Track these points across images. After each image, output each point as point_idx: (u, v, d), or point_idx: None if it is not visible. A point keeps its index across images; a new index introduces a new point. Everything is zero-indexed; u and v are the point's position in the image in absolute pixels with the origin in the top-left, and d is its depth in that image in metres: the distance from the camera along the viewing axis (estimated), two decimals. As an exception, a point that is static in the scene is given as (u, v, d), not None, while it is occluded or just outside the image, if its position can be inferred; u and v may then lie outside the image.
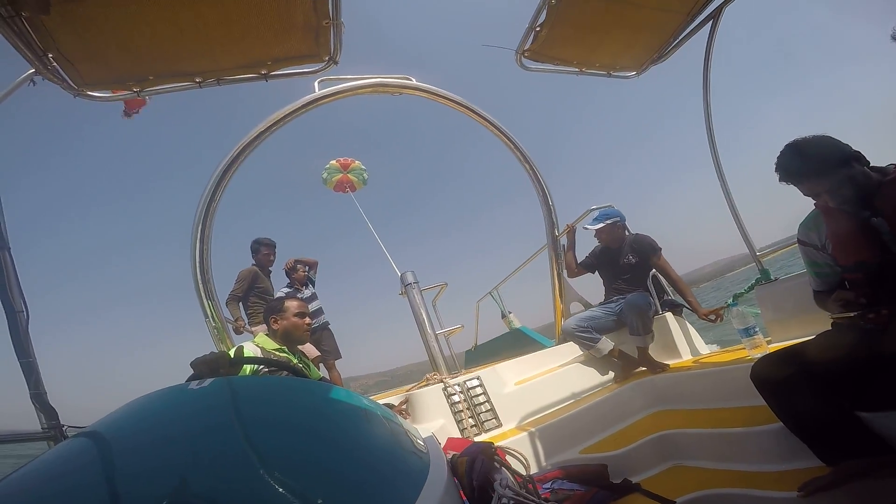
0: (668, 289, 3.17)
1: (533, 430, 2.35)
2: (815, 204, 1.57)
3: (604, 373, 2.94)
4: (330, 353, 4.46)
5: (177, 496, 0.56)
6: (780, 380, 1.48)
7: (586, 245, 3.55)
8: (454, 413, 2.55)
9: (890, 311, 1.34)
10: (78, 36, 1.83)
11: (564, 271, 3.70)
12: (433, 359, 3.03)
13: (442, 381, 2.71)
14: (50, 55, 1.85)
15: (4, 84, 2.10)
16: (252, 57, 2.23)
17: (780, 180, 1.53)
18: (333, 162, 7.11)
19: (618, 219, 3.17)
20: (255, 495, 0.58)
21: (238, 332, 3.81)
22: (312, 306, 4.47)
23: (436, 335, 3.11)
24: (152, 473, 0.60)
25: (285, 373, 1.85)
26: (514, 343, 5.14)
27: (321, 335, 4.45)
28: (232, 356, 2.04)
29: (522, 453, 1.70)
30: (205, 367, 1.33)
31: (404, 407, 2.67)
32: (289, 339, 2.28)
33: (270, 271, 4.50)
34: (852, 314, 1.36)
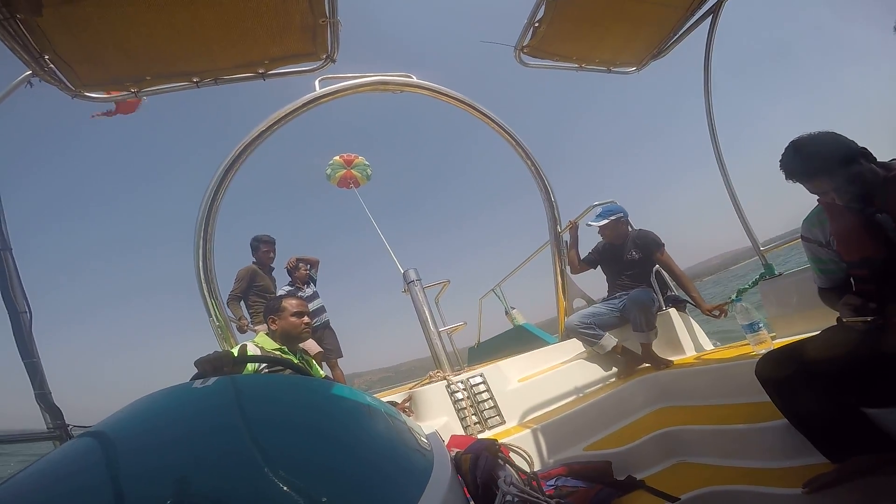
0: (672, 284, 3.16)
1: (536, 427, 2.35)
2: (818, 200, 1.55)
3: (607, 369, 2.94)
4: (332, 352, 4.47)
5: (183, 496, 0.56)
6: (785, 376, 1.47)
7: (589, 241, 3.56)
8: (457, 410, 2.55)
9: None
10: (74, 37, 1.83)
11: (567, 268, 3.69)
12: (436, 356, 3.03)
13: (445, 379, 2.71)
14: (46, 57, 1.85)
15: (2, 86, 2.10)
16: (249, 56, 2.23)
17: (786, 178, 1.49)
18: (337, 158, 7.10)
19: (621, 214, 3.16)
20: (260, 494, 0.58)
21: (242, 330, 3.82)
22: (314, 305, 4.47)
23: (439, 332, 3.11)
24: (158, 473, 0.60)
25: (288, 371, 1.85)
26: (517, 340, 5.14)
27: (323, 334, 4.46)
28: (235, 355, 2.05)
29: (526, 450, 1.70)
30: (208, 366, 1.33)
31: (407, 405, 2.67)
32: (288, 338, 2.26)
33: (273, 268, 4.49)
34: (867, 319, 1.33)
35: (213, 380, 0.84)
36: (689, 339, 2.95)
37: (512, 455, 1.55)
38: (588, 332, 2.94)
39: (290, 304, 2.29)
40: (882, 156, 1.43)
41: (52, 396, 1.78)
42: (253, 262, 4.34)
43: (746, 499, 1.54)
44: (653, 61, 3.07)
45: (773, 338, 2.34)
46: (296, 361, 2.21)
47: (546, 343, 4.07)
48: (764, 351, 2.08)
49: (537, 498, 1.00)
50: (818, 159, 1.40)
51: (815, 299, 1.70)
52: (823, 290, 1.64)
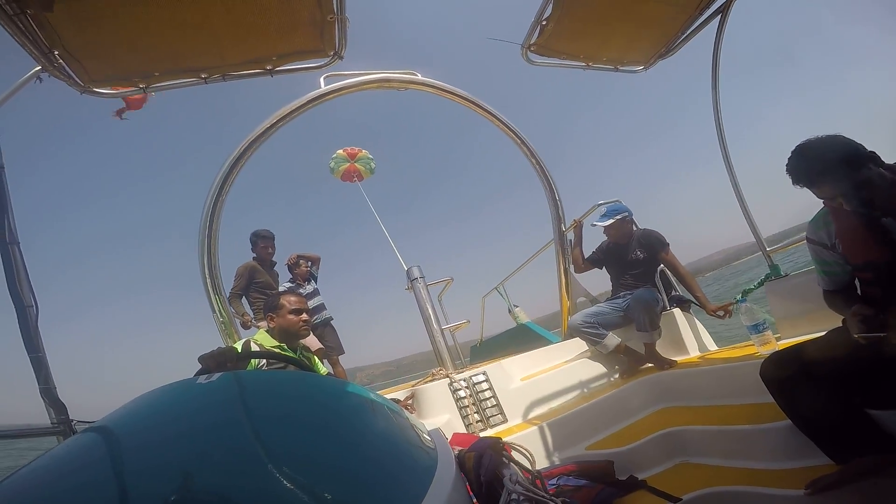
0: (676, 284, 3.15)
1: (539, 425, 2.35)
2: (823, 202, 1.53)
3: (610, 369, 2.93)
4: (333, 349, 4.47)
5: (188, 491, 0.57)
6: (789, 377, 1.47)
7: (593, 240, 3.54)
8: (459, 408, 2.56)
9: None
10: (84, 33, 1.83)
11: (571, 266, 3.68)
12: (439, 354, 3.04)
13: (447, 377, 2.72)
14: (56, 52, 1.86)
15: (12, 81, 2.11)
16: (257, 53, 2.23)
17: (793, 184, 1.46)
18: (340, 151, 7.08)
19: (626, 214, 3.15)
20: (265, 490, 0.58)
21: (245, 326, 3.83)
22: (314, 302, 4.49)
23: (441, 330, 3.11)
24: (162, 468, 0.60)
25: (291, 367, 1.85)
26: (520, 338, 5.14)
27: (323, 331, 4.46)
28: (239, 350, 2.06)
29: (528, 449, 1.70)
30: (212, 361, 1.34)
31: (410, 402, 2.67)
32: (286, 335, 2.25)
33: (275, 262, 4.49)
34: (879, 336, 1.29)
35: (217, 376, 0.85)
36: (693, 340, 2.94)
37: (514, 453, 1.56)
38: (591, 332, 2.94)
39: (288, 301, 2.27)
40: (884, 154, 1.41)
41: (57, 391, 1.78)
42: (253, 258, 4.34)
43: (748, 500, 1.54)
44: (660, 60, 3.05)
45: (779, 339, 2.33)
46: (296, 357, 2.22)
47: (549, 342, 4.06)
48: (768, 352, 2.07)
49: (542, 497, 1.01)
50: (825, 165, 1.36)
51: (821, 301, 1.69)
52: (828, 293, 1.62)
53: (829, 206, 1.51)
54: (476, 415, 2.54)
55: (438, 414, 2.53)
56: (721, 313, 2.78)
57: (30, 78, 2.06)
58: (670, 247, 3.06)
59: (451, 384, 2.64)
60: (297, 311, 2.25)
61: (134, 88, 2.24)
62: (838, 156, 1.35)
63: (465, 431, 2.45)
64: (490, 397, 2.63)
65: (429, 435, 1.01)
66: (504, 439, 1.86)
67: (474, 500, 1.05)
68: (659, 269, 3.05)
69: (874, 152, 1.38)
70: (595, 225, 3.23)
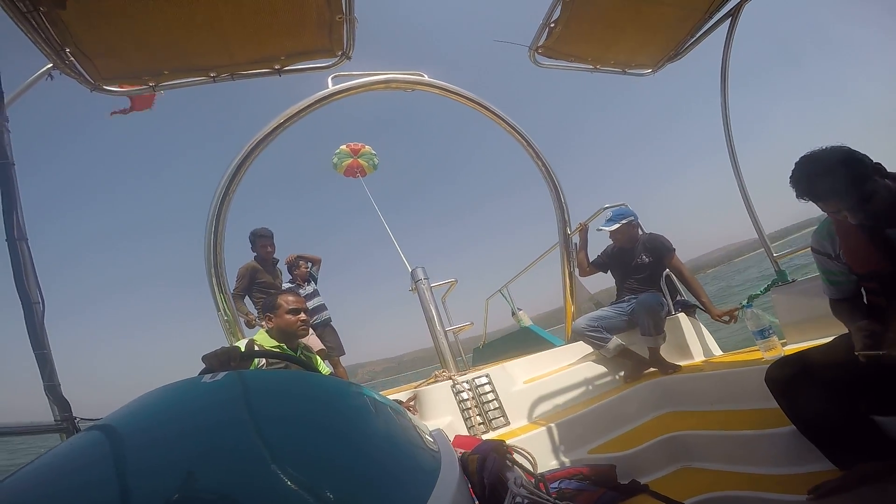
0: (682, 289, 3.14)
1: (541, 429, 2.35)
2: (828, 213, 1.51)
3: (614, 373, 2.92)
4: (334, 350, 4.47)
5: (191, 490, 0.56)
6: (795, 383, 1.46)
7: (598, 243, 3.53)
8: (462, 410, 2.55)
9: None
10: (95, 31, 1.85)
11: (576, 270, 3.67)
12: (442, 356, 3.04)
13: (450, 379, 2.72)
14: (67, 50, 1.88)
15: (23, 78, 2.13)
16: (266, 52, 2.24)
17: (797, 197, 1.44)
18: (343, 147, 7.05)
19: (632, 218, 3.14)
20: (268, 490, 0.58)
21: (250, 326, 3.84)
22: (314, 303, 4.49)
23: (445, 332, 3.11)
24: (165, 467, 0.60)
25: (295, 367, 1.85)
26: (524, 341, 5.13)
27: (323, 332, 4.46)
28: (242, 350, 2.06)
29: (530, 452, 1.70)
30: (215, 360, 1.34)
31: (412, 403, 2.67)
32: (285, 335, 2.22)
33: (277, 260, 4.48)
34: (880, 353, 1.29)
35: (221, 375, 0.85)
36: (698, 344, 2.93)
37: (516, 456, 1.56)
38: (595, 335, 2.93)
39: (286, 301, 2.24)
40: (883, 153, 1.38)
41: (62, 389, 1.78)
42: (254, 258, 4.34)
43: None
44: (668, 63, 3.04)
45: (784, 344, 2.32)
46: (298, 357, 2.21)
47: (553, 345, 4.06)
48: (774, 357, 2.06)
49: (546, 500, 1.00)
50: (831, 181, 1.33)
51: (828, 307, 1.69)
52: (834, 302, 1.62)
53: (833, 217, 1.49)
54: (478, 417, 2.54)
55: (441, 416, 2.53)
56: (726, 318, 2.77)
57: (41, 75, 2.08)
58: (676, 252, 3.05)
59: (453, 386, 2.64)
60: (295, 311, 2.23)
61: (143, 87, 2.26)
62: (844, 170, 1.32)
63: (468, 434, 2.45)
64: (493, 400, 2.63)
65: (431, 436, 1.01)
66: (506, 442, 1.85)
67: (477, 503, 1.05)
68: (664, 273, 3.04)
69: (879, 163, 1.36)
70: (601, 229, 3.22)
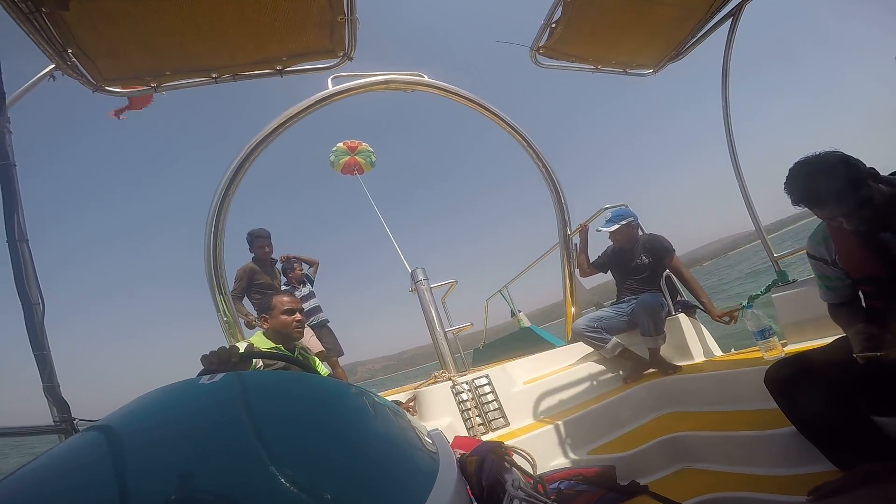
0: (682, 289, 3.14)
1: (541, 429, 2.35)
2: (823, 218, 1.51)
3: (614, 373, 2.92)
4: (332, 351, 4.47)
5: (189, 491, 0.57)
6: (795, 384, 1.46)
7: (599, 244, 3.53)
8: (462, 411, 2.56)
9: None
10: (97, 32, 1.85)
11: (576, 270, 3.67)
12: (441, 356, 3.04)
13: (450, 379, 2.72)
14: (69, 51, 1.88)
15: (26, 79, 2.13)
16: (267, 52, 2.25)
17: (792, 204, 1.44)
18: (340, 144, 7.01)
19: (631, 219, 3.14)
20: (266, 492, 0.58)
21: (250, 326, 3.84)
22: (309, 304, 4.49)
23: (445, 332, 3.12)
24: (164, 468, 0.60)
25: (295, 368, 1.85)
26: (524, 342, 5.13)
27: (321, 333, 4.45)
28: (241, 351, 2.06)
29: (530, 453, 1.70)
30: (215, 358, 1.34)
31: (412, 404, 2.67)
32: (280, 337, 2.21)
33: (275, 260, 4.48)
34: (877, 354, 1.29)
35: (219, 376, 0.85)
36: (699, 345, 2.93)
37: (515, 457, 1.56)
38: (595, 336, 2.93)
39: (281, 302, 2.22)
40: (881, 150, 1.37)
41: (61, 390, 1.77)
42: (252, 259, 4.33)
43: None
44: (670, 64, 3.04)
45: (784, 345, 2.32)
46: (296, 358, 2.20)
47: (553, 345, 4.06)
48: (773, 358, 2.06)
49: (544, 502, 1.01)
50: (826, 186, 1.33)
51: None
52: (832, 306, 1.62)
53: (827, 222, 1.49)
54: (478, 418, 2.54)
55: (440, 417, 2.53)
56: (726, 319, 2.76)
57: (44, 76, 2.08)
58: (676, 252, 3.05)
59: (453, 387, 2.64)
60: (290, 312, 2.21)
61: (145, 87, 2.26)
62: (838, 176, 1.32)
63: (467, 434, 2.45)
64: (492, 400, 2.63)
65: (430, 438, 1.01)
66: (506, 443, 1.85)
67: (475, 504, 1.05)
68: (664, 274, 3.03)
69: (873, 168, 1.36)
70: (601, 230, 3.22)
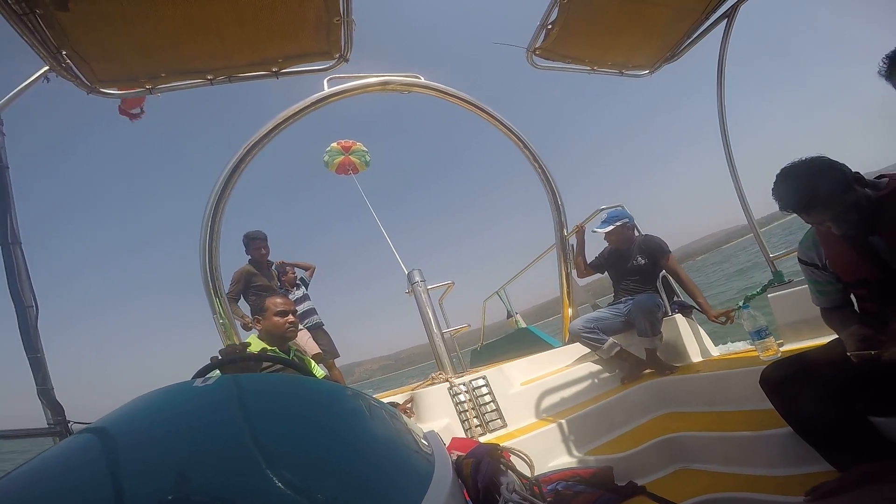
0: (678, 290, 3.14)
1: (538, 430, 2.35)
2: (811, 223, 1.53)
3: (611, 374, 2.92)
4: (327, 353, 4.46)
5: (181, 494, 0.56)
6: (791, 385, 1.47)
7: (596, 245, 3.54)
8: (459, 413, 2.55)
9: None
10: (92, 33, 1.84)
11: (573, 271, 3.68)
12: (439, 358, 3.03)
13: (447, 381, 2.71)
14: (64, 52, 1.87)
15: (20, 81, 2.12)
16: (263, 54, 2.24)
17: (780, 209, 1.46)
18: (334, 144, 7.00)
19: (627, 220, 3.15)
20: (260, 494, 0.57)
21: (247, 328, 3.83)
22: (303, 307, 4.49)
23: (442, 334, 3.11)
24: (156, 470, 0.60)
25: (292, 371, 1.85)
26: (521, 343, 5.13)
27: (316, 335, 4.44)
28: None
29: (527, 454, 1.70)
30: (227, 351, 1.34)
31: (409, 406, 2.67)
32: (273, 338, 2.21)
33: (271, 262, 4.48)
34: (871, 353, 1.30)
35: (213, 379, 0.85)
36: (695, 345, 2.93)
37: (513, 458, 1.56)
38: (591, 337, 2.93)
39: (274, 304, 2.21)
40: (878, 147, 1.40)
41: (55, 392, 1.76)
42: (248, 261, 4.33)
43: None
44: (665, 64, 3.05)
45: (781, 345, 2.33)
46: (291, 359, 2.20)
47: (550, 346, 4.06)
48: (770, 358, 2.06)
49: (539, 505, 1.00)
50: (813, 192, 1.36)
51: None
52: (825, 311, 1.63)
53: (816, 228, 1.51)
54: (475, 419, 2.54)
55: (438, 418, 2.52)
56: (723, 319, 2.77)
57: (38, 78, 2.07)
58: (672, 253, 3.05)
59: (450, 388, 2.63)
60: (283, 313, 2.20)
61: (140, 89, 2.25)
62: (825, 182, 1.34)
63: (465, 436, 2.44)
64: (490, 402, 2.62)
65: (426, 440, 1.01)
66: (503, 444, 1.85)
67: (471, 506, 1.05)
68: (661, 274, 3.04)
69: (858, 173, 1.38)
70: (596, 231, 3.23)
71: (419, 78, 3.30)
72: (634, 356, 2.88)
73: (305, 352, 2.68)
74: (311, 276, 4.83)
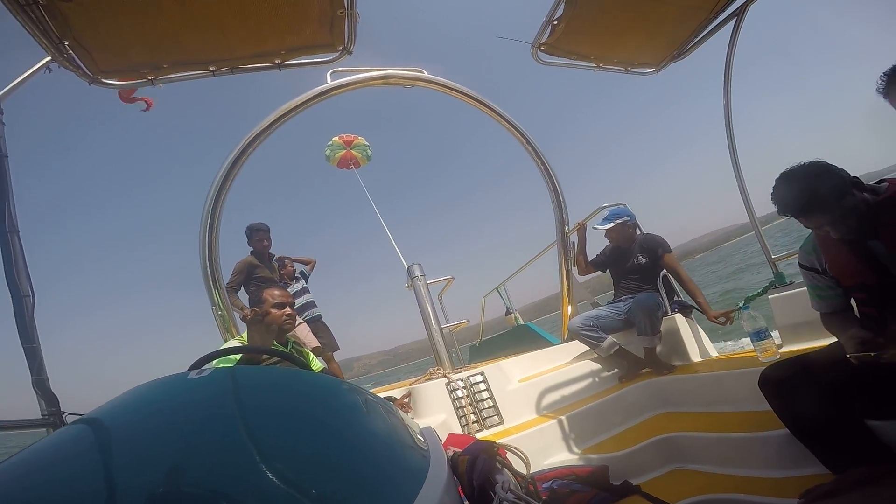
0: (679, 290, 3.14)
1: (535, 428, 2.35)
2: (810, 228, 1.53)
3: (609, 372, 2.92)
4: (326, 346, 4.47)
5: (173, 484, 0.56)
6: (789, 387, 1.47)
7: (598, 243, 3.53)
8: (456, 409, 2.56)
9: None
10: (94, 24, 1.83)
11: (574, 269, 3.67)
12: (437, 353, 3.04)
13: (445, 376, 2.72)
14: (66, 43, 1.86)
15: (21, 71, 2.11)
16: (266, 46, 2.23)
17: (778, 213, 1.47)
18: (336, 138, 6.98)
19: (627, 218, 3.14)
20: (252, 486, 0.57)
21: (245, 320, 3.84)
22: (302, 300, 4.50)
23: (441, 329, 3.11)
24: (147, 461, 0.60)
25: (287, 363, 1.85)
26: (520, 339, 5.14)
27: (315, 328, 4.45)
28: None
29: (524, 452, 1.70)
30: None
31: (406, 400, 2.67)
32: (270, 331, 2.18)
33: (272, 255, 4.49)
34: (870, 354, 1.30)
35: (208, 371, 0.85)
36: (695, 345, 2.93)
37: (509, 456, 1.56)
38: (590, 335, 2.93)
39: (271, 296, 2.19)
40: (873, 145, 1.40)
41: (50, 383, 1.74)
42: (251, 253, 4.34)
43: None
44: (672, 63, 3.02)
45: (780, 347, 2.32)
46: (289, 352, 2.19)
47: (549, 343, 4.06)
48: (769, 360, 2.06)
49: (534, 504, 1.01)
50: (811, 196, 1.37)
51: None
52: (825, 316, 1.63)
53: (816, 232, 1.52)
54: (473, 415, 2.54)
55: (435, 413, 2.53)
56: (722, 319, 2.76)
57: (40, 68, 2.06)
58: (673, 252, 3.04)
59: (448, 384, 2.64)
60: (280, 306, 2.19)
61: (142, 80, 2.25)
62: (824, 186, 1.35)
63: (462, 432, 2.45)
64: (487, 398, 2.63)
65: (422, 435, 1.01)
66: (500, 441, 1.86)
67: (466, 503, 1.05)
68: (661, 273, 3.03)
69: (856, 177, 1.39)
70: (596, 228, 3.22)
71: (422, 72, 3.28)
72: (633, 355, 2.88)
73: (305, 344, 2.67)
74: (311, 269, 4.84)
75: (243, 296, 4.18)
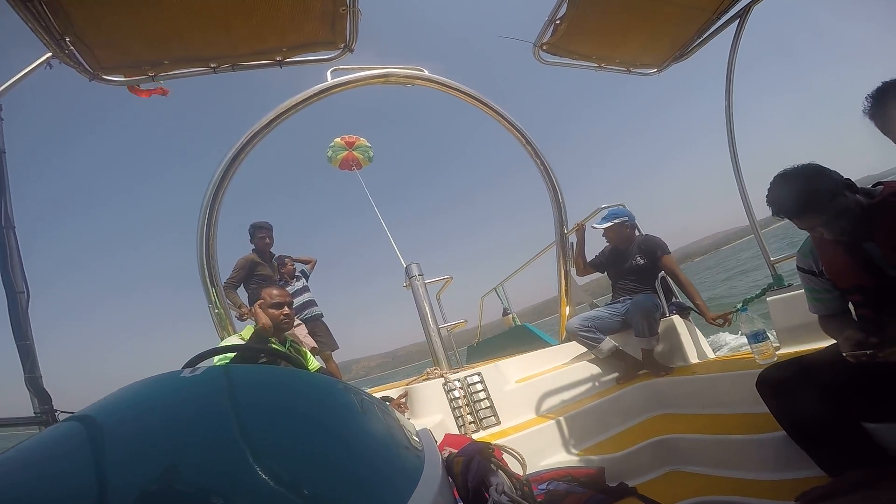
0: (677, 291, 3.13)
1: (532, 429, 2.35)
2: (805, 230, 1.55)
3: (607, 374, 2.92)
4: (325, 345, 4.47)
5: (164, 482, 0.56)
6: (787, 388, 1.47)
7: (597, 245, 3.52)
8: (453, 409, 2.55)
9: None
10: (95, 20, 1.83)
11: (572, 269, 3.67)
12: (434, 353, 3.03)
13: (442, 376, 2.71)
14: (67, 39, 1.86)
15: (21, 67, 2.10)
16: (268, 43, 2.22)
17: (773, 215, 1.50)
18: (338, 140, 6.98)
19: (626, 218, 3.14)
20: (244, 485, 0.57)
21: (242, 318, 3.84)
22: (303, 298, 4.50)
23: (438, 329, 3.11)
24: (136, 459, 0.60)
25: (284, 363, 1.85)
26: (518, 340, 5.14)
27: (314, 327, 4.46)
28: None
29: (520, 452, 1.70)
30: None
31: (403, 401, 2.67)
32: (267, 330, 2.18)
33: (273, 254, 4.49)
34: (866, 353, 1.31)
35: (201, 369, 0.84)
36: (693, 347, 2.93)
37: (505, 456, 1.56)
38: (588, 336, 2.93)
39: (270, 295, 2.21)
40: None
41: (43, 381, 1.74)
42: (252, 251, 4.34)
43: None
44: (674, 64, 3.02)
45: (778, 349, 2.32)
46: (286, 351, 2.19)
47: (547, 344, 4.06)
48: (766, 362, 2.06)
49: (527, 506, 1.00)
50: (805, 199, 1.38)
51: None
52: (822, 318, 1.64)
53: (811, 234, 1.53)
54: (469, 416, 2.54)
55: (432, 414, 2.53)
56: (720, 322, 2.76)
57: (40, 64, 2.05)
58: (671, 254, 3.04)
59: (445, 384, 2.63)
60: (278, 305, 2.20)
61: (143, 77, 2.24)
62: (817, 187, 1.36)
63: (458, 432, 2.44)
64: (484, 399, 2.62)
65: (417, 436, 1.00)
66: (496, 442, 1.85)
67: (460, 504, 1.05)
68: (659, 275, 3.03)
69: (849, 179, 1.40)
70: (595, 227, 3.22)
71: (422, 71, 3.27)
72: (631, 356, 2.88)
73: (303, 343, 2.67)
74: (311, 268, 4.84)
75: (242, 294, 4.18)
